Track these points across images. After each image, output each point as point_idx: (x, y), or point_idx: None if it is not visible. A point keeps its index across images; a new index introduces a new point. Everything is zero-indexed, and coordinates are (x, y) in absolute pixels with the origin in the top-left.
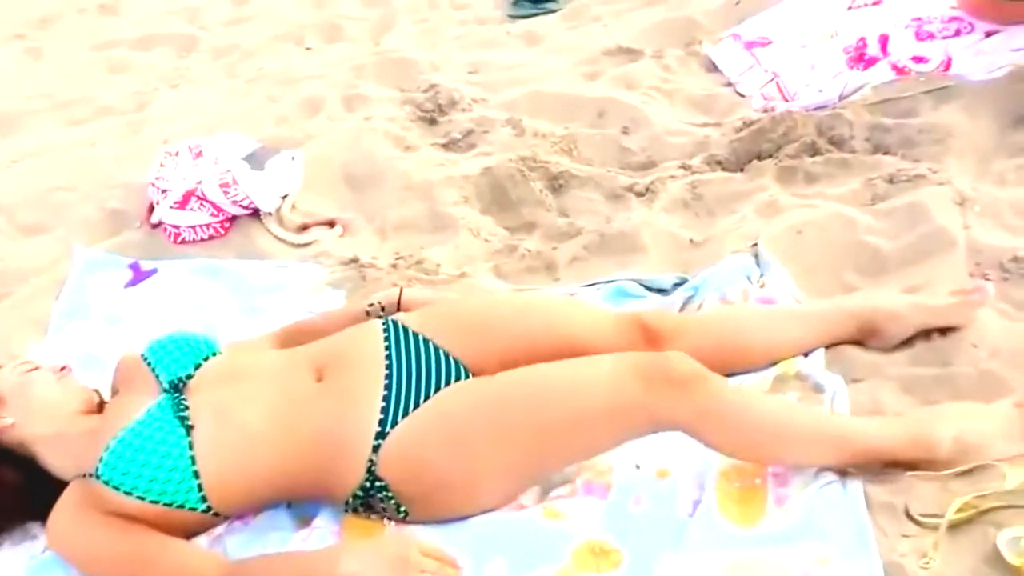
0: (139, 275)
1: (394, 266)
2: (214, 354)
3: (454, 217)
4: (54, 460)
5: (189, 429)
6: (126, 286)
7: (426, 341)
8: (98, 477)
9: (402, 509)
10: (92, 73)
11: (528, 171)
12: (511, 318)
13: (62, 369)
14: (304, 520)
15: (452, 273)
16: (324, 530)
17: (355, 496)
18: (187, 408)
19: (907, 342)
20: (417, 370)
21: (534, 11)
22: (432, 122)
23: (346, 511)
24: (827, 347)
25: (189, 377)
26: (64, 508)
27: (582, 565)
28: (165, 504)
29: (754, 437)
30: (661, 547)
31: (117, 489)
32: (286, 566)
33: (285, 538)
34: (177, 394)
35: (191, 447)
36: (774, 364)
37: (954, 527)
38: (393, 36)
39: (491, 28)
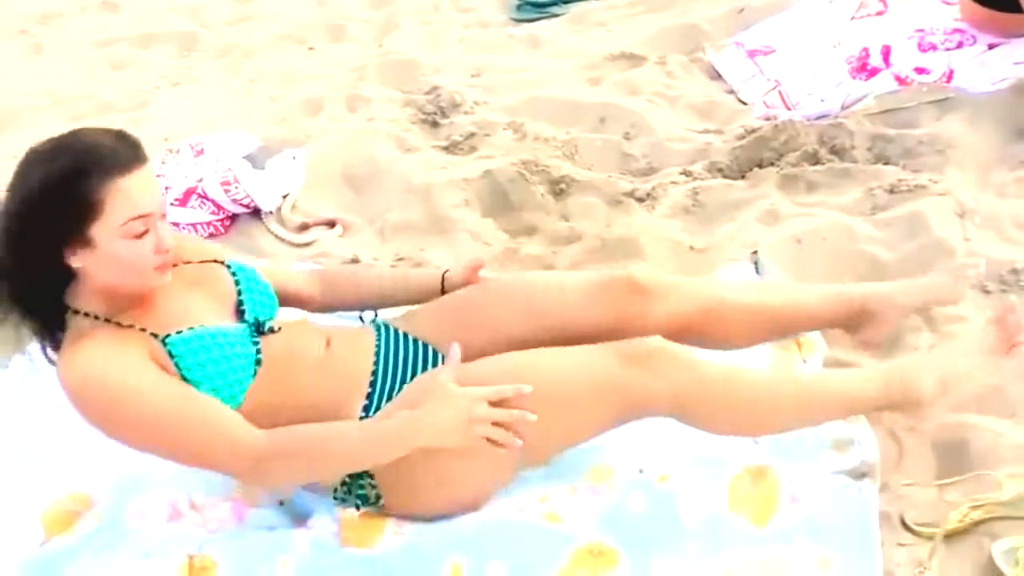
0: None
1: (394, 267)
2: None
3: (454, 220)
4: (103, 281)
5: (258, 364)
6: None
7: (406, 335)
8: (164, 343)
9: (379, 497)
10: (93, 70)
11: (529, 175)
12: (491, 307)
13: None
14: (298, 519)
15: None
16: (323, 530)
17: (343, 483)
18: (260, 350)
19: (903, 346)
20: (404, 361)
21: (537, 15)
22: (434, 124)
23: (334, 498)
24: (821, 330)
25: (269, 326)
26: (109, 347)
27: (581, 566)
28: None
29: (736, 412)
30: (659, 548)
31: (178, 365)
32: (351, 443)
33: (280, 537)
34: (256, 333)
35: (253, 378)
36: (760, 343)
37: (950, 537)
38: (396, 38)
39: (494, 31)
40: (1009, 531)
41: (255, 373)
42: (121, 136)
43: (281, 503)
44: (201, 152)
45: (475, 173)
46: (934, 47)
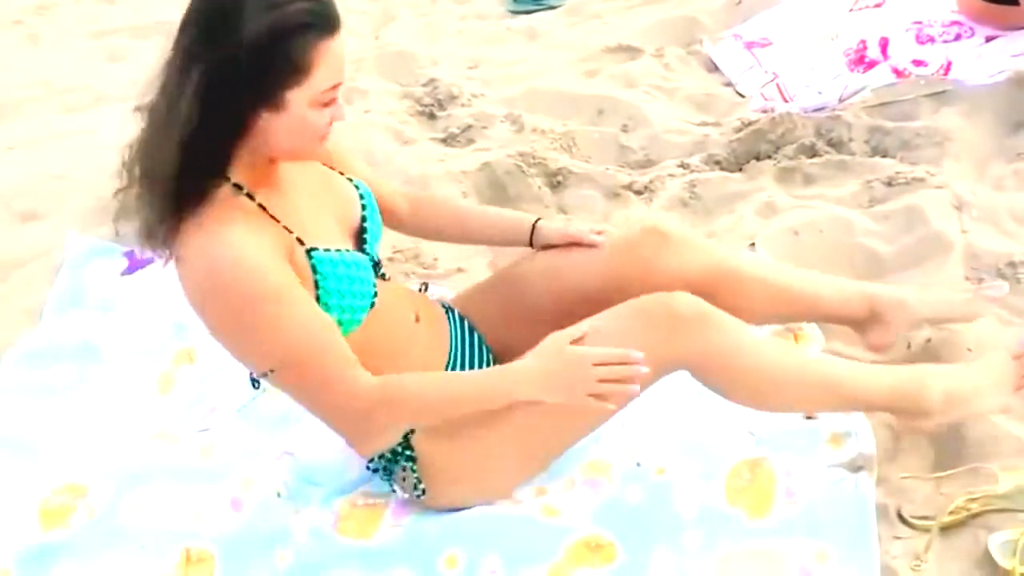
0: (135, 264)
1: (391, 259)
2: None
3: None
4: (274, 146)
5: (371, 308)
6: (122, 274)
7: (472, 329)
8: (310, 256)
9: (420, 487)
10: (90, 61)
11: (527, 167)
12: (529, 292)
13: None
14: (296, 511)
15: (449, 268)
16: (320, 521)
17: (381, 456)
18: (376, 292)
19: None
20: (471, 355)
21: (535, 7)
22: (431, 116)
23: (368, 467)
24: (831, 323)
25: (382, 271)
26: (260, 237)
27: (577, 560)
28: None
29: (753, 382)
30: (656, 541)
31: (317, 284)
32: (465, 390)
33: (277, 529)
34: (374, 269)
35: (363, 318)
36: (766, 323)
37: (946, 530)
38: (393, 30)
39: (492, 23)
40: (1005, 524)
41: (366, 314)
42: None
43: (278, 494)
44: None
45: (473, 165)
46: (932, 39)
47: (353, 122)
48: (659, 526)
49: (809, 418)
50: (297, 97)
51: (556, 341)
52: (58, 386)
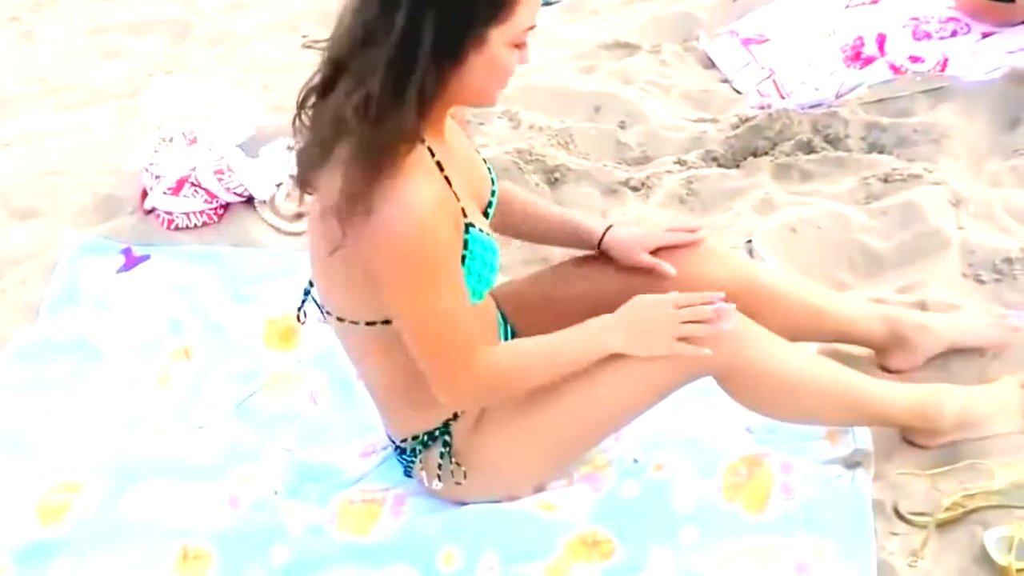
0: (131, 261)
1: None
2: None
3: None
4: (467, 90)
5: (488, 288)
6: (118, 272)
7: (515, 332)
8: (467, 231)
9: (452, 473)
10: (86, 58)
11: (524, 164)
12: (557, 295)
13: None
14: (293, 508)
15: None
16: (318, 517)
17: (416, 437)
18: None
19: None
20: None
21: None
22: None
23: (396, 451)
24: (848, 344)
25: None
26: (445, 206)
27: (575, 556)
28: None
29: (776, 395)
30: (654, 537)
31: (464, 258)
32: (561, 348)
33: (274, 525)
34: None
35: (484, 294)
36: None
37: (943, 526)
38: None
39: None
40: (1001, 520)
41: (484, 296)
42: None
43: (276, 492)
44: (194, 141)
45: None
46: (928, 36)
47: None
48: (657, 522)
49: None
50: (498, 35)
51: (638, 298)
52: (55, 383)
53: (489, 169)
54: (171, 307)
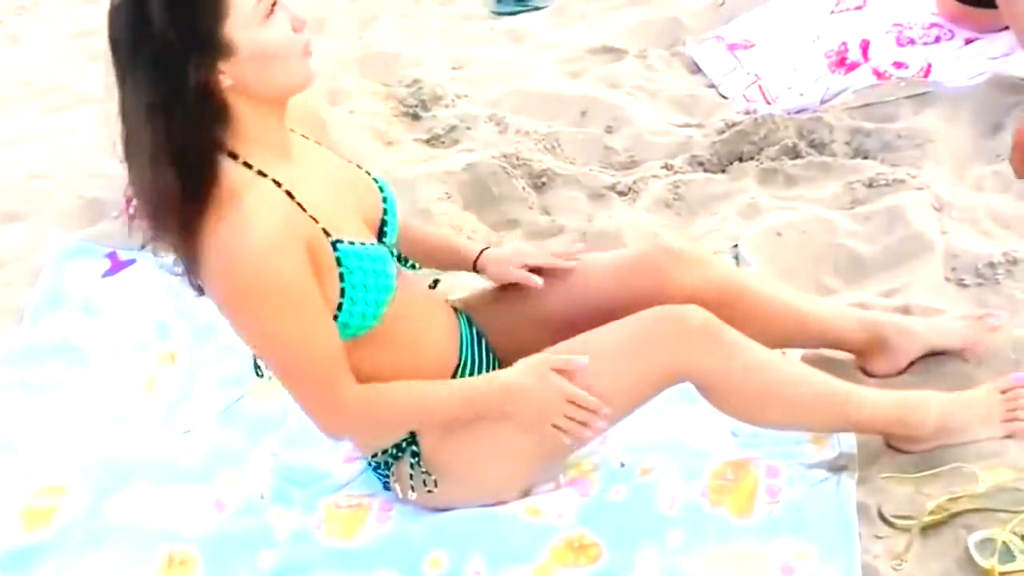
0: (117, 265)
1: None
2: None
3: (436, 213)
4: (258, 91)
5: (392, 297)
6: (104, 275)
7: (480, 336)
8: (335, 248)
9: (424, 483)
10: (71, 61)
11: (511, 168)
12: (539, 302)
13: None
14: (280, 513)
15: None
16: (304, 522)
17: (385, 451)
18: (395, 282)
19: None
20: (480, 364)
21: (519, 8)
22: (415, 117)
23: (369, 465)
24: (831, 349)
25: (405, 261)
26: (285, 232)
27: (561, 560)
28: (341, 323)
29: (757, 403)
30: (641, 541)
31: (342, 276)
32: (434, 408)
33: (260, 530)
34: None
35: (385, 308)
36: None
37: (927, 529)
38: (377, 30)
39: (476, 24)
40: (985, 523)
41: (386, 308)
42: None
43: (262, 496)
44: None
45: (457, 166)
46: (912, 41)
47: (337, 123)
48: (643, 526)
49: None
50: (234, 29)
51: (542, 365)
52: (40, 386)
53: (380, 185)
54: (157, 311)
